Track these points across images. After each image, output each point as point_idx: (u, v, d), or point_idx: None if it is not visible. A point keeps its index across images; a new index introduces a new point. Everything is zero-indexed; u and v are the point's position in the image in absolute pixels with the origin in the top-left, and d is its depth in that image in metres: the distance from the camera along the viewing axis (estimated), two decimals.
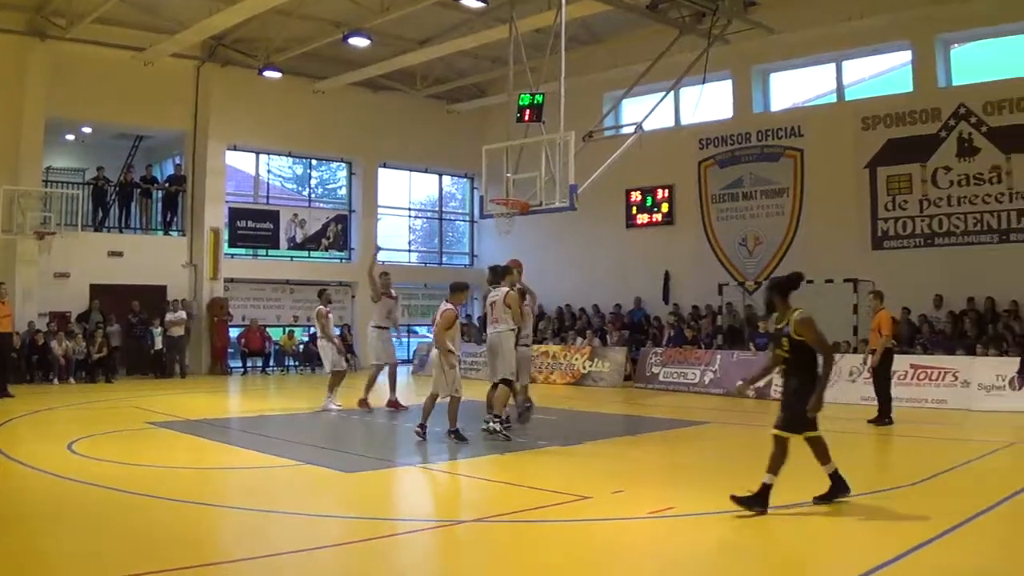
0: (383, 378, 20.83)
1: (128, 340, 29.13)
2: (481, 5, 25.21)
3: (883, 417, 17.94)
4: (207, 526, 9.88)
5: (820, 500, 10.23)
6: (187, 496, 10.93)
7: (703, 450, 15.91)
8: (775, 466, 9.92)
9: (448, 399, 15.27)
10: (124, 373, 28.67)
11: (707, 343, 27.37)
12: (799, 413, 9.96)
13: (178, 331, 29.31)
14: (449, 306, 15.29)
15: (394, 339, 21.57)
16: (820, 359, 10.04)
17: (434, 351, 15.91)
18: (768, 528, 9.46)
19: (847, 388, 21.93)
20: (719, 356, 25.59)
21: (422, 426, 15.52)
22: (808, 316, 10.15)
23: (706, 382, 25.23)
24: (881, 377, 18.27)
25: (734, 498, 9.83)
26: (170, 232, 31.98)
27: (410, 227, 39.00)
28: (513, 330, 16.05)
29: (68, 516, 9.98)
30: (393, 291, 21.13)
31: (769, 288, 10.64)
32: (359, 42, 27.80)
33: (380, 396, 20.54)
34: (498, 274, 16.81)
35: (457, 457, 13.89)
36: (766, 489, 9.82)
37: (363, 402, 20.20)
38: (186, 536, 9.15)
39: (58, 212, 27.80)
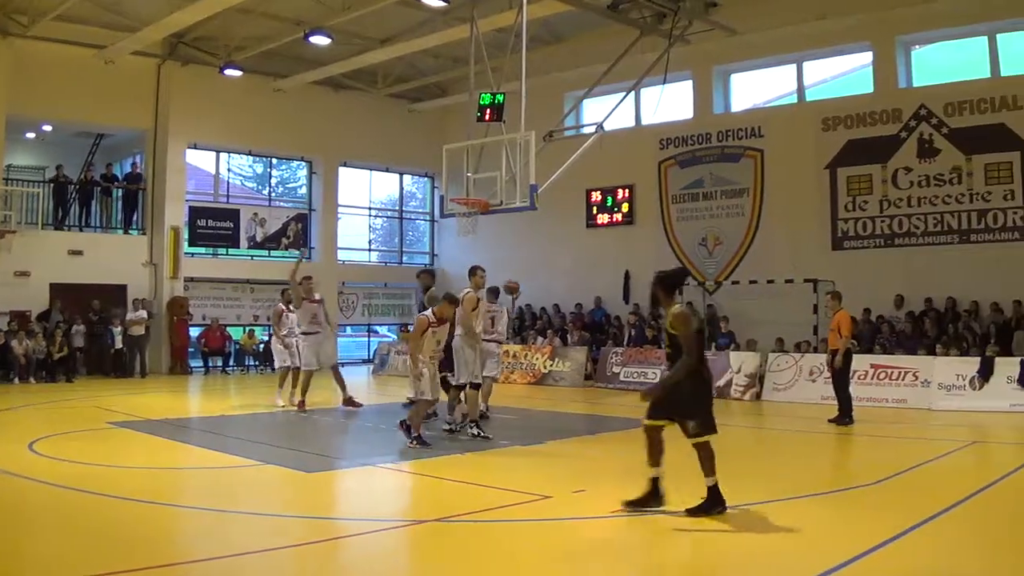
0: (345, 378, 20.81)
1: (88, 339, 28.86)
2: (443, 4, 25.18)
3: (843, 416, 18.00)
4: (167, 526, 9.85)
5: (632, 505, 9.88)
6: (147, 496, 10.87)
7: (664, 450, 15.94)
8: (654, 457, 9.98)
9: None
10: (84, 373, 28.41)
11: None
12: (698, 414, 9.80)
13: (138, 330, 29.17)
14: (427, 313, 15.18)
15: (334, 339, 21.57)
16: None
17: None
18: (728, 526, 9.46)
19: (807, 387, 22.11)
20: None
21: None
22: (683, 311, 10.08)
23: None
24: (841, 377, 18.27)
25: (628, 503, 9.83)
26: (130, 231, 31.81)
27: (371, 226, 38.94)
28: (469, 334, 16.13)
29: (29, 516, 9.94)
30: (317, 295, 20.92)
31: (653, 282, 10.47)
32: (320, 41, 27.71)
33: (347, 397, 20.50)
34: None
35: (418, 457, 13.86)
36: (655, 482, 9.85)
37: (300, 404, 20.01)
38: (146, 536, 9.10)
39: (18, 210, 27.74)
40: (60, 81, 28.89)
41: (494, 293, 18.38)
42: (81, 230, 30.94)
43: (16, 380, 26.12)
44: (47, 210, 30.04)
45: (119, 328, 28.94)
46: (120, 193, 32.07)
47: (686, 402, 9.79)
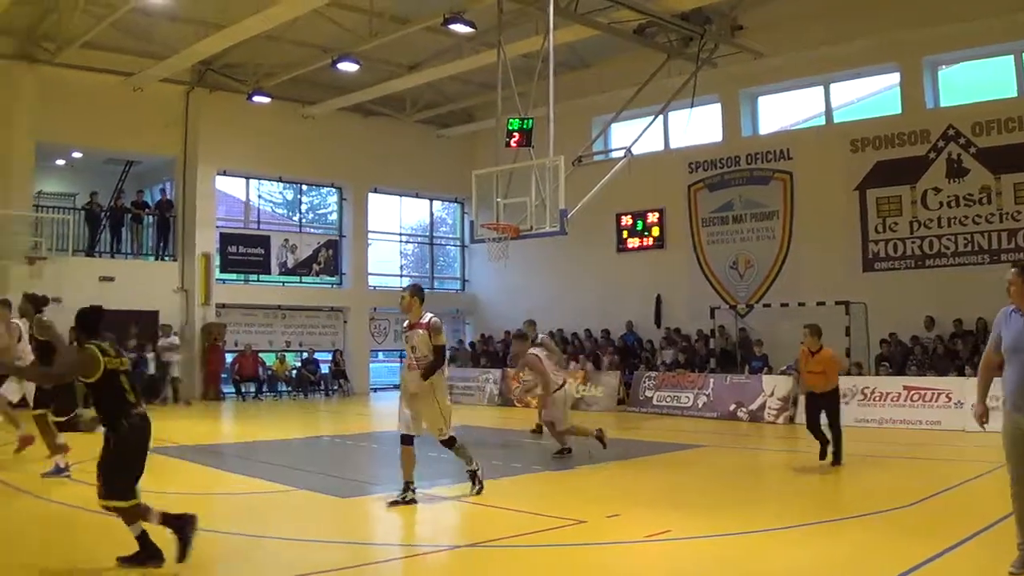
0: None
1: None
2: (469, 30, 25.22)
3: (837, 459, 16.89)
4: (197, 551, 9.86)
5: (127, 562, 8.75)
6: None
7: (697, 473, 15.85)
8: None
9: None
10: None
11: (700, 367, 27.32)
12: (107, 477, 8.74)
13: (171, 356, 29.26)
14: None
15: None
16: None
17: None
18: (766, 550, 9.45)
19: (840, 411, 21.95)
20: (712, 380, 25.50)
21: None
22: (83, 349, 8.82)
23: (700, 406, 25.17)
24: (835, 418, 16.19)
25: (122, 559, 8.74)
26: (162, 258, 31.96)
27: (401, 252, 39.00)
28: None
29: (65, 541, 9.93)
30: None
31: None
32: (348, 67, 27.85)
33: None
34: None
35: (451, 482, 13.85)
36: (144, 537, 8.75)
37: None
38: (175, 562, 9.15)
39: (49, 237, 27.89)
40: (88, 108, 29.06)
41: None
42: (112, 256, 31.08)
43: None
44: (78, 237, 30.12)
45: (152, 354, 29.05)
46: (151, 220, 32.25)
47: (102, 461, 8.75)
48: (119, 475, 8.61)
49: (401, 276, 38.52)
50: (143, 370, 28.79)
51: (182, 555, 8.57)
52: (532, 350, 17.69)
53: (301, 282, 34.80)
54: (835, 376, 16.16)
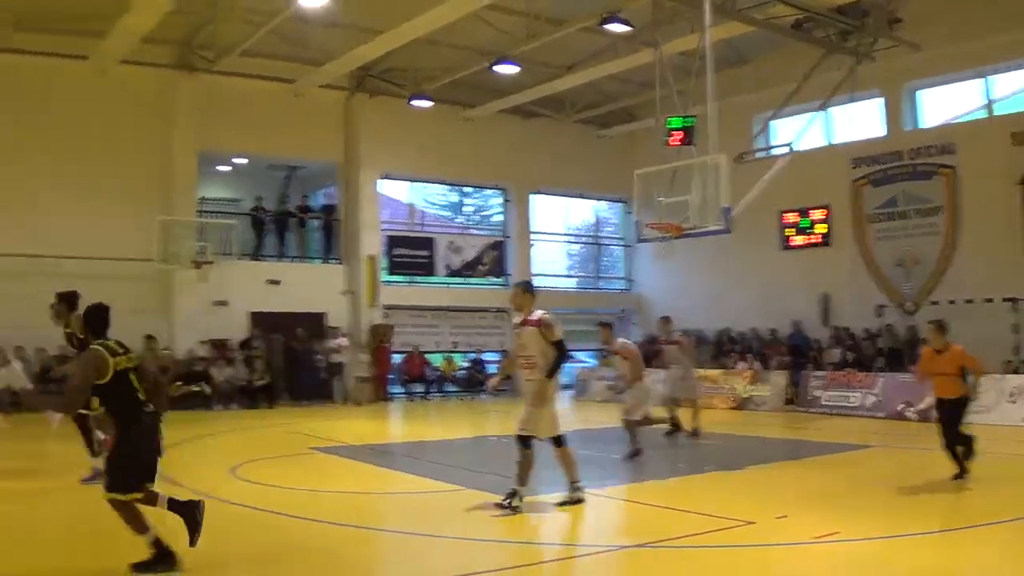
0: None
1: (289, 366, 29.59)
2: (626, 29, 25.21)
3: (962, 473, 15.51)
4: (366, 550, 10.04)
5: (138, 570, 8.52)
6: (348, 520, 11.10)
7: (866, 474, 15.56)
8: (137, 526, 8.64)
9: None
10: (286, 399, 29.02)
11: (867, 366, 26.94)
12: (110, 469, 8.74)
13: (339, 358, 29.75)
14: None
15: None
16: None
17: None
18: (936, 553, 9.35)
19: (1009, 410, 21.49)
20: (880, 379, 25.04)
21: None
22: (89, 350, 8.78)
23: (868, 405, 24.74)
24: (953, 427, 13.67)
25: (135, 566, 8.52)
26: (329, 260, 32.57)
27: (566, 252, 39.20)
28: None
29: (229, 540, 10.16)
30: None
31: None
32: (507, 70, 28.18)
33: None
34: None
35: (619, 482, 13.89)
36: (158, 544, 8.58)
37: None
38: (346, 560, 9.41)
39: (214, 241, 28.57)
40: (249, 115, 29.87)
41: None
42: (278, 260, 31.77)
43: (218, 407, 26.97)
44: (245, 241, 30.91)
45: (320, 355, 29.59)
46: (316, 223, 32.89)
47: (111, 456, 8.87)
48: (123, 469, 8.54)
49: (566, 276, 38.73)
50: (311, 371, 29.40)
51: (192, 540, 8.61)
52: (623, 340, 17.74)
53: (467, 283, 35.14)
54: (965, 379, 13.48)
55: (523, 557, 9.79)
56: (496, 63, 27.79)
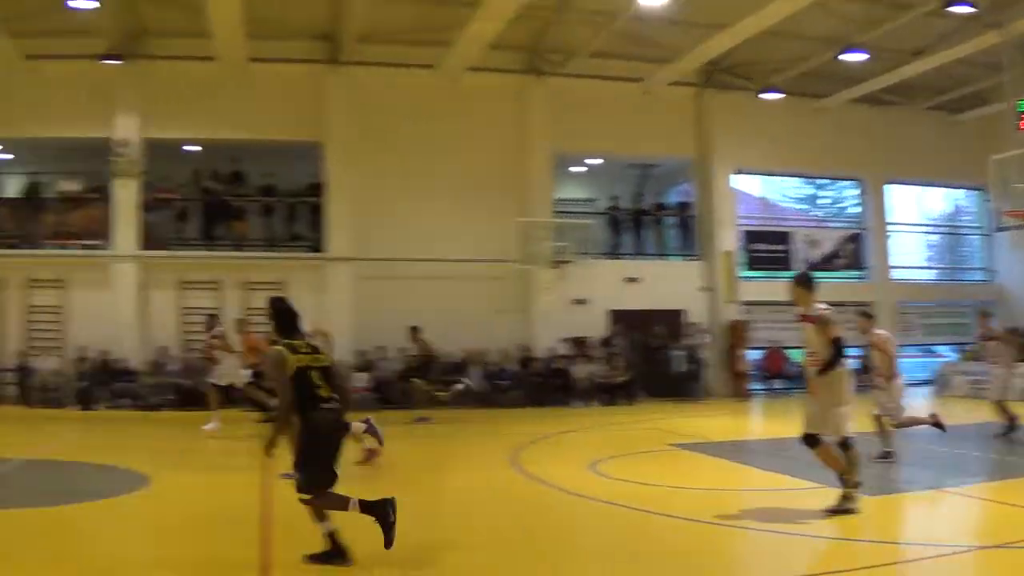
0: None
1: (647, 363, 29.71)
2: (970, 11, 24.24)
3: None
4: (723, 547, 9.98)
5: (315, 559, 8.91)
6: (706, 516, 11.01)
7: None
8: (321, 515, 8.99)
9: None
10: (644, 396, 29.05)
11: None
12: (301, 467, 9.00)
13: (699, 354, 29.74)
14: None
15: None
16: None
17: None
18: None
19: None
20: None
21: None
22: (272, 352, 9.27)
23: None
24: None
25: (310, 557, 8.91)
26: (686, 257, 32.60)
27: (924, 243, 38.07)
28: None
29: (585, 534, 10.28)
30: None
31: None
32: (854, 58, 27.61)
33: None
34: None
35: (969, 480, 13.35)
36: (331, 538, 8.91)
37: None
38: (703, 556, 9.40)
39: (572, 241, 28.97)
40: (600, 116, 30.25)
41: None
42: (636, 258, 32.03)
43: (577, 404, 27.41)
44: (601, 240, 31.28)
45: (678, 352, 29.63)
46: (672, 220, 32.98)
47: (295, 454, 9.16)
48: (307, 467, 8.87)
49: (923, 268, 37.56)
50: (671, 368, 29.46)
51: (388, 541, 8.76)
52: (880, 331, 16.58)
53: (826, 277, 34.42)
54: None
55: (879, 556, 9.45)
56: (843, 51, 27.27)
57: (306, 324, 9.38)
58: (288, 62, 28.21)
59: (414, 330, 23.38)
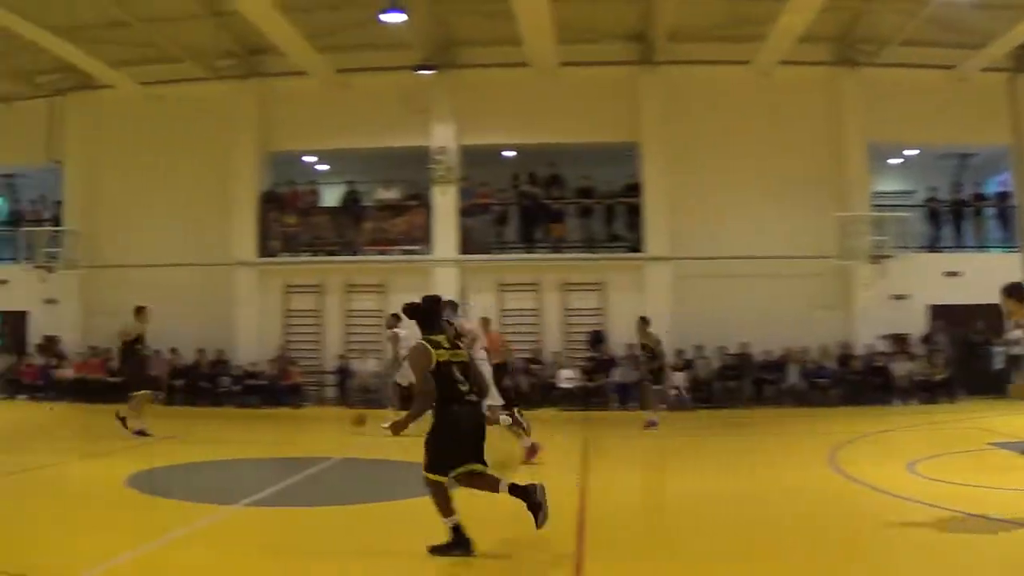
0: None
1: (968, 360, 29.00)
2: None
3: None
4: None
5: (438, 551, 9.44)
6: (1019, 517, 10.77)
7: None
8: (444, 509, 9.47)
9: None
10: (963, 393, 28.33)
11: None
12: (429, 449, 9.64)
13: (1018, 350, 28.85)
14: None
15: None
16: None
17: None
18: None
19: None
20: None
21: None
22: (415, 346, 9.86)
23: None
24: None
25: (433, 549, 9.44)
26: (1007, 249, 31.56)
27: None
28: None
29: (895, 534, 10.29)
30: None
31: None
32: None
33: None
34: None
35: None
36: (457, 530, 9.40)
37: None
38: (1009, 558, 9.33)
39: (891, 235, 28.69)
40: (914, 104, 29.68)
41: None
42: (956, 251, 31.24)
43: (897, 402, 27.10)
44: (921, 233, 30.74)
45: (1000, 348, 28.83)
46: (992, 212, 32.10)
47: (427, 435, 9.67)
48: (436, 452, 9.48)
49: None
50: (991, 365, 28.63)
51: (539, 522, 9.22)
52: None
53: None
54: None
55: None
56: None
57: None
58: (600, 64, 28.85)
59: (643, 321, 22.76)
